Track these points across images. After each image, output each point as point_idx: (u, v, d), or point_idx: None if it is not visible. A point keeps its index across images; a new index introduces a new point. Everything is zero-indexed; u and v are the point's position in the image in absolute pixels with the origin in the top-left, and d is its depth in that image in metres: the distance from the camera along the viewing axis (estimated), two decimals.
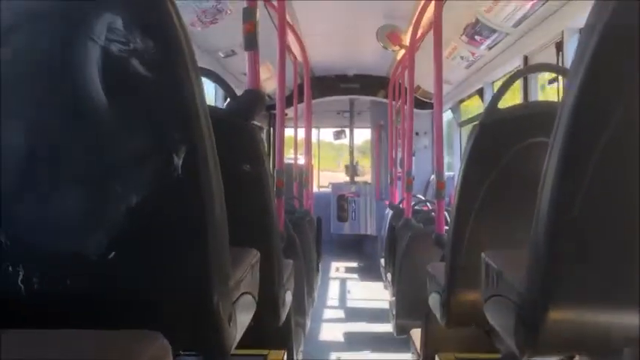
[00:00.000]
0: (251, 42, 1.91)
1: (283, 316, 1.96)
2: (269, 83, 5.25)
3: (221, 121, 1.70)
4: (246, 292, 1.38)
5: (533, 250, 1.11)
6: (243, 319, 1.35)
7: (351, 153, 8.31)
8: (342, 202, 7.52)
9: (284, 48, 2.78)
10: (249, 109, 1.70)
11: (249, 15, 1.91)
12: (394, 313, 3.46)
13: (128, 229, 1.06)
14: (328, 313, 4.71)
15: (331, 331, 4.16)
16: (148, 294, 1.11)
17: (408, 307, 3.16)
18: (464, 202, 1.84)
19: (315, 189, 8.23)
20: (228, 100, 1.77)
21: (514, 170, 1.75)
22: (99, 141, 1.03)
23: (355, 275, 6.39)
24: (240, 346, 1.63)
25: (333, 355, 3.58)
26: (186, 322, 1.16)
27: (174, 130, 1.04)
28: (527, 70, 1.96)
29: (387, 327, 3.90)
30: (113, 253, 1.06)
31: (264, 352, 2.16)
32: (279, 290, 1.86)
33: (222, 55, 4.22)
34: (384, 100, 6.73)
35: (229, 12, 3.54)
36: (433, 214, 2.83)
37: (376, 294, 5.11)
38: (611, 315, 1.07)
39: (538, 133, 1.66)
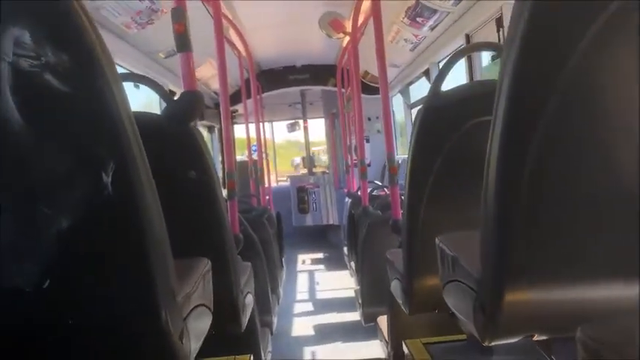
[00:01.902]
0: (183, 43, 1.84)
1: (245, 321, 1.91)
2: (214, 80, 5.15)
3: (158, 128, 1.63)
4: (198, 305, 1.33)
5: (484, 234, 1.10)
6: (197, 332, 1.30)
7: (307, 144, 8.27)
8: (301, 194, 7.49)
9: (222, 44, 2.71)
10: (186, 112, 1.63)
11: (178, 16, 1.83)
12: (360, 301, 3.46)
13: (61, 254, 1.00)
14: (297, 307, 4.69)
15: (301, 325, 4.14)
16: (88, 322, 1.05)
17: (373, 294, 3.15)
18: (415, 187, 1.83)
19: (274, 184, 8.19)
20: (165, 106, 1.69)
21: (462, 151, 1.75)
22: (19, 163, 0.96)
23: (322, 266, 6.39)
24: (204, 355, 1.58)
25: (305, 350, 3.55)
26: (134, 346, 1.11)
27: (100, 146, 0.98)
28: (464, 51, 1.96)
29: (356, 315, 3.90)
30: (47, 281, 0.99)
31: (230, 358, 2.11)
32: (237, 295, 1.81)
33: (163, 56, 4.10)
34: (335, 89, 6.72)
35: (165, 11, 3.43)
36: (390, 199, 2.81)
37: (344, 283, 5.12)
38: (564, 294, 1.07)
39: (483, 113, 1.65)
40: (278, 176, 9.20)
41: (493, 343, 1.21)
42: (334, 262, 6.26)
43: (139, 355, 1.13)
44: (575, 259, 1.05)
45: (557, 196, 1.02)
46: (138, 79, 1.85)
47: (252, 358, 2.16)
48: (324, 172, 8.14)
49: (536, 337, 1.25)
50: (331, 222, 7.47)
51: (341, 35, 4.80)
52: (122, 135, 0.98)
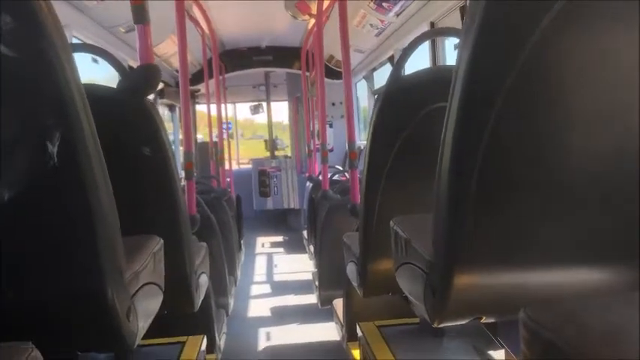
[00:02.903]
0: (140, 15, 1.78)
1: (198, 301, 1.89)
2: (176, 58, 5.04)
3: (112, 101, 1.58)
4: (148, 283, 1.30)
5: (436, 217, 1.11)
6: (147, 310, 1.28)
7: (270, 127, 8.22)
8: (263, 177, 7.45)
9: (183, 19, 2.64)
10: (141, 86, 1.58)
11: None
12: (317, 284, 3.48)
13: (4, 225, 0.96)
14: (255, 290, 4.69)
15: (258, 307, 4.14)
16: (31, 297, 1.01)
17: (330, 278, 3.17)
18: (373, 171, 1.83)
19: (235, 166, 8.12)
20: (120, 78, 1.64)
21: (420, 136, 1.76)
22: None
23: (281, 249, 6.39)
24: (157, 335, 1.56)
25: (260, 331, 3.56)
26: (79, 322, 1.08)
27: (45, 116, 0.94)
28: (425, 36, 1.97)
29: (313, 298, 3.93)
30: None
31: (183, 339, 2.09)
32: (191, 275, 1.79)
33: (123, 31, 3.97)
34: (300, 72, 6.67)
35: None
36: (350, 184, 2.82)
37: (302, 266, 5.14)
38: (510, 278, 1.09)
39: (442, 99, 1.66)
40: (240, 160, 9.13)
41: (442, 325, 1.23)
42: (293, 246, 6.28)
43: (83, 331, 1.11)
44: (521, 246, 1.07)
45: (506, 184, 1.04)
46: (92, 50, 1.79)
47: (205, 338, 2.14)
48: (285, 156, 8.11)
49: (483, 320, 1.27)
50: (292, 206, 7.47)
51: (307, 17, 4.76)
52: (69, 103, 0.94)
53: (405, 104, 1.79)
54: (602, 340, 0.64)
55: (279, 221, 7.70)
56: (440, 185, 1.08)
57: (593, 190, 1.02)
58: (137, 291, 1.21)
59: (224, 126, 8.43)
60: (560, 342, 0.65)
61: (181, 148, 6.03)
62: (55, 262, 1.02)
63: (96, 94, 1.04)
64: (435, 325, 1.22)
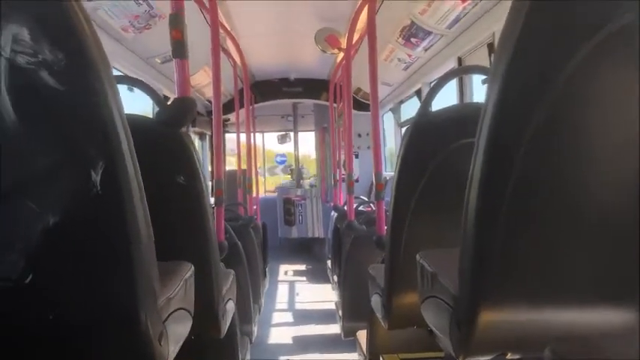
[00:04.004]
0: (179, 50, 1.86)
1: (225, 328, 1.92)
2: (208, 88, 5.17)
3: (150, 131, 1.65)
4: (179, 308, 1.34)
5: (463, 251, 1.12)
6: (177, 335, 1.31)
7: (296, 157, 8.29)
8: (288, 205, 7.49)
9: (218, 52, 2.74)
10: (178, 117, 1.65)
11: (175, 22, 1.86)
12: (340, 315, 3.47)
13: (46, 250, 1.00)
14: (277, 317, 4.68)
15: (280, 335, 4.14)
16: (68, 318, 1.05)
17: (354, 309, 3.16)
18: (400, 203, 1.85)
19: (262, 194, 8.18)
20: (158, 110, 1.71)
21: (447, 170, 1.78)
22: (10, 158, 0.97)
23: (304, 278, 6.38)
24: (183, 359, 1.58)
25: (282, 359, 3.55)
26: (113, 345, 1.11)
27: (90, 145, 1.00)
28: (454, 73, 2.01)
29: (336, 328, 3.91)
30: (30, 276, 1.00)
31: None
32: (219, 302, 1.82)
33: (159, 61, 4.12)
34: (327, 104, 6.76)
35: (163, 17, 3.46)
36: (376, 215, 2.84)
37: (325, 296, 5.12)
38: (536, 315, 1.10)
39: (469, 134, 1.68)
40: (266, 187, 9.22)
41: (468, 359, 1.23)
42: (317, 275, 6.26)
43: (116, 354, 1.14)
44: (547, 283, 1.08)
45: (532, 222, 1.05)
46: (132, 82, 1.87)
47: None
48: (311, 185, 8.16)
49: (509, 356, 1.27)
50: (316, 235, 7.47)
51: (335, 51, 4.85)
52: (113, 134, 1.00)
53: (433, 138, 1.82)
54: None
55: (302, 250, 7.70)
56: (467, 221, 1.09)
57: (620, 230, 1.03)
58: (169, 316, 1.24)
59: (278, 159, 8.55)
60: None
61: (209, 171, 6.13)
62: (92, 287, 1.06)
63: (134, 123, 1.09)
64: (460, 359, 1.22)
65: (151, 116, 1.81)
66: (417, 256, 1.50)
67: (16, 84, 0.93)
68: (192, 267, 1.51)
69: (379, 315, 2.06)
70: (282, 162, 8.93)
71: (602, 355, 0.70)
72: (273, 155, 9.14)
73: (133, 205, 1.04)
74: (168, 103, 1.82)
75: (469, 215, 1.08)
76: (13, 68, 0.92)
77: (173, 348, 1.26)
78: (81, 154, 1.00)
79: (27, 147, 0.96)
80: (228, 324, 1.99)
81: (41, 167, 0.98)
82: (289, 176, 8.44)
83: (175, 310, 1.29)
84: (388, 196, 2.34)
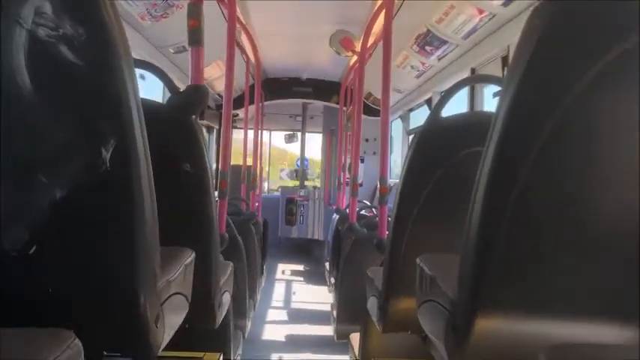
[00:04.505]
0: (195, 37, 1.88)
1: (219, 318, 1.92)
2: (219, 82, 5.19)
3: (160, 116, 1.66)
4: (177, 293, 1.34)
5: (464, 258, 1.13)
6: (173, 320, 1.32)
7: (302, 157, 8.30)
8: (290, 205, 7.49)
9: (233, 45, 2.75)
10: (190, 104, 1.66)
11: (193, 12, 1.88)
12: (335, 316, 3.47)
13: (51, 223, 1.01)
14: (272, 315, 4.69)
15: (273, 332, 4.15)
16: (68, 292, 1.06)
17: (349, 311, 3.16)
18: (403, 208, 1.86)
19: (265, 192, 8.20)
20: (170, 96, 1.72)
21: (453, 178, 1.78)
22: (23, 129, 0.98)
23: (301, 278, 6.39)
24: (174, 348, 1.59)
25: (274, 356, 3.55)
26: (109, 322, 1.12)
27: (103, 122, 1.01)
28: (467, 81, 2.02)
29: (329, 330, 3.91)
30: (34, 247, 1.01)
31: (200, 354, 2.11)
32: (216, 292, 1.83)
33: (172, 51, 4.14)
34: (337, 106, 6.78)
35: (180, 7, 3.47)
36: (377, 219, 2.84)
37: (321, 297, 5.12)
38: (533, 324, 1.10)
39: (477, 143, 1.69)
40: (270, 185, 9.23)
41: None
42: (313, 277, 6.27)
43: (113, 331, 1.14)
44: (546, 295, 1.08)
45: (535, 233, 1.05)
46: (147, 66, 1.88)
47: (221, 356, 2.16)
48: (315, 187, 8.16)
49: None
50: (316, 237, 7.47)
51: (349, 54, 4.86)
52: (126, 113, 1.01)
53: (441, 145, 1.83)
54: None
55: (301, 250, 7.71)
56: (470, 226, 1.10)
57: (622, 245, 1.03)
58: (166, 299, 1.24)
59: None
60: None
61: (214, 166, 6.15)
62: (93, 263, 1.07)
63: (146, 107, 1.10)
64: None
65: None
66: (417, 260, 1.50)
67: (34, 56, 0.94)
68: (193, 254, 1.51)
69: (374, 318, 2.06)
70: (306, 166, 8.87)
71: None
72: (294, 158, 9.10)
73: (140, 185, 1.04)
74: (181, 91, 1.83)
75: (473, 220, 1.09)
76: (33, 40, 0.93)
77: (168, 332, 1.27)
78: (93, 130, 1.01)
79: (41, 118, 0.97)
80: (223, 315, 1.99)
81: (53, 140, 0.99)
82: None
83: (173, 294, 1.30)
84: (390, 202, 2.35)
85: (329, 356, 3.53)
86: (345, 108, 6.22)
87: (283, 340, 3.98)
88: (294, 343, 3.88)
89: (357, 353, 2.72)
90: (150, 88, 4.09)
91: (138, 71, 2.47)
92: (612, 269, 1.05)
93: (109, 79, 0.98)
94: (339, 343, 3.38)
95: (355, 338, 2.88)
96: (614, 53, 0.94)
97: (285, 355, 3.57)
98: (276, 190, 8.59)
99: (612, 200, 1.02)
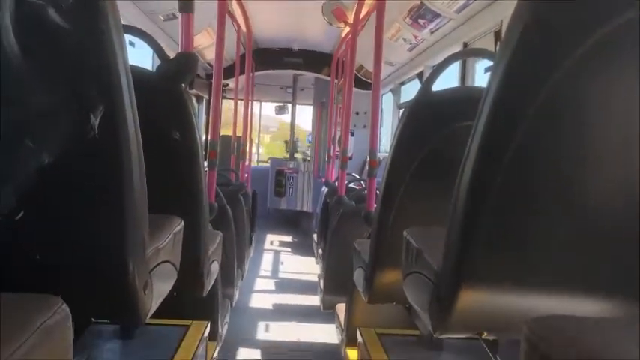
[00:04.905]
0: (185, 4, 1.85)
1: (208, 287, 1.94)
2: (209, 51, 5.12)
3: (149, 83, 1.64)
4: (166, 261, 1.35)
5: (450, 230, 1.14)
6: (161, 287, 1.33)
7: (292, 129, 8.27)
8: (279, 177, 7.49)
9: (224, 13, 2.71)
10: (180, 72, 1.64)
11: None
12: (322, 287, 3.51)
13: (39, 189, 1.01)
14: (260, 284, 4.74)
15: (261, 301, 4.20)
16: (57, 258, 1.07)
17: (335, 283, 3.20)
18: (392, 181, 1.87)
19: (255, 164, 8.18)
20: (159, 63, 1.70)
21: (443, 152, 1.79)
22: (10, 92, 0.97)
23: (289, 249, 6.44)
24: (162, 316, 1.61)
25: (260, 324, 3.61)
26: (98, 289, 1.13)
27: (92, 87, 1.00)
28: (460, 55, 2.01)
29: (316, 300, 3.96)
30: (21, 214, 1.00)
31: (187, 322, 2.14)
32: (204, 260, 1.84)
33: (162, 18, 4.07)
34: (328, 78, 6.73)
35: None
36: (366, 192, 2.86)
37: (308, 268, 5.17)
38: (515, 296, 1.12)
39: (468, 117, 1.69)
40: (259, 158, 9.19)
41: (444, 336, 1.26)
42: (301, 248, 6.32)
43: (101, 298, 1.15)
44: (532, 268, 1.10)
45: (522, 206, 1.07)
46: (136, 32, 1.85)
47: (209, 325, 2.18)
48: (304, 159, 8.16)
49: (484, 336, 1.30)
50: (305, 209, 7.50)
51: (342, 25, 4.81)
52: (115, 79, 1.00)
53: (431, 119, 1.83)
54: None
55: (289, 222, 7.74)
56: (458, 200, 1.11)
57: (609, 221, 1.05)
58: (155, 267, 1.25)
59: (310, 138, 8.31)
60: (557, 357, 0.67)
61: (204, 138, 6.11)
62: (83, 229, 1.07)
63: (136, 75, 1.09)
64: (437, 336, 1.25)
65: None
66: (404, 233, 1.52)
67: (22, 18, 0.92)
68: (182, 222, 1.52)
69: (361, 289, 2.08)
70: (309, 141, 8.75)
71: (579, 335, 0.72)
72: (305, 135, 9.01)
73: (129, 152, 1.04)
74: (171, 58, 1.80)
75: (460, 193, 1.10)
76: (21, 1, 0.91)
77: (156, 300, 1.28)
78: (81, 96, 1.00)
79: (28, 83, 0.95)
80: (211, 284, 2.01)
81: (41, 105, 0.98)
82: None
83: (162, 262, 1.31)
84: (379, 176, 2.36)
85: (315, 325, 3.58)
86: (336, 80, 6.18)
87: (271, 308, 4.03)
88: (281, 312, 3.94)
89: (342, 323, 2.77)
90: (139, 57, 4.04)
91: (127, 38, 2.44)
92: (597, 243, 1.07)
93: (98, 44, 0.97)
94: (326, 312, 3.43)
95: (341, 308, 2.93)
96: (606, 29, 0.94)
97: (271, 323, 3.63)
98: (266, 162, 8.57)
99: (600, 175, 1.03)
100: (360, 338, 2.19)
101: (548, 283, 1.11)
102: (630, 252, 1.05)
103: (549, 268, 1.09)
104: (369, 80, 6.33)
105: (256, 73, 6.72)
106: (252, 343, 3.28)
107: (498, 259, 1.10)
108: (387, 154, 1.95)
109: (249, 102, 5.41)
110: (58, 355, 0.79)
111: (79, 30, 0.95)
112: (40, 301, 0.78)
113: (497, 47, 3.17)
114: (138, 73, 1.64)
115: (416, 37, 4.46)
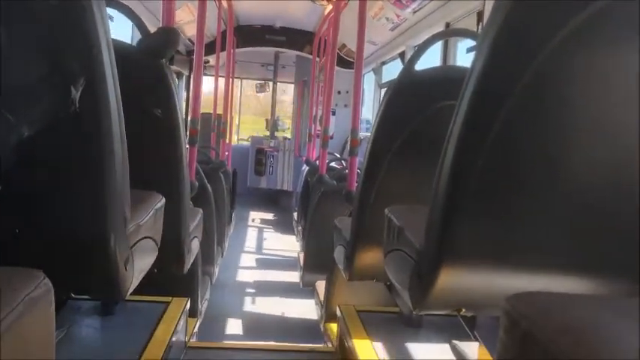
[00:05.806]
0: None
1: (188, 264, 1.94)
2: (190, 27, 5.04)
3: (130, 58, 1.61)
4: (147, 237, 1.35)
5: (433, 208, 1.15)
6: (142, 263, 1.32)
7: (273, 107, 8.22)
8: (260, 156, 7.47)
9: None
10: (161, 47, 1.61)
11: None
12: (302, 265, 3.53)
13: (18, 162, 0.99)
14: (241, 261, 4.76)
15: (242, 278, 4.24)
16: (37, 232, 1.06)
17: (315, 260, 3.23)
18: (374, 160, 1.88)
19: (235, 142, 8.13)
20: (140, 37, 1.67)
21: (425, 131, 1.80)
22: None
23: (270, 227, 6.46)
24: (142, 292, 1.61)
25: (239, 299, 3.65)
26: (79, 264, 1.12)
27: (73, 59, 0.98)
28: (442, 35, 2.02)
29: (296, 277, 4.00)
30: (0, 187, 0.99)
31: (167, 299, 2.14)
32: (185, 237, 1.83)
33: None
34: (309, 56, 6.68)
35: None
36: (347, 171, 2.87)
37: (289, 246, 5.20)
38: (498, 275, 1.14)
39: (450, 96, 1.69)
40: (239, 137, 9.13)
41: (423, 313, 1.28)
42: (281, 226, 6.35)
43: (82, 273, 1.15)
44: (512, 246, 1.12)
45: (505, 185, 1.08)
46: (117, 5, 1.81)
47: (189, 301, 2.19)
48: (285, 138, 8.13)
49: (463, 312, 1.33)
50: (285, 188, 7.50)
51: (324, 2, 4.77)
52: (97, 53, 0.98)
53: (414, 98, 1.83)
54: (581, 335, 0.67)
55: (270, 201, 7.75)
56: (440, 178, 1.12)
57: (591, 200, 1.07)
58: (136, 243, 1.25)
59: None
60: (538, 333, 0.68)
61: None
62: (64, 203, 1.06)
63: (117, 49, 1.07)
64: (416, 312, 1.27)
65: None
66: (386, 211, 1.53)
67: None
68: (163, 199, 1.51)
69: (341, 266, 2.10)
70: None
71: (558, 311, 0.73)
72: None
73: (110, 126, 1.03)
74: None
75: (443, 171, 1.11)
76: None
77: (137, 276, 1.27)
78: (62, 68, 0.98)
79: (7, 54, 0.93)
80: (191, 261, 2.01)
81: (21, 77, 0.96)
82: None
83: (143, 238, 1.30)
84: (360, 156, 2.36)
85: (295, 300, 3.62)
86: (318, 59, 6.14)
87: (251, 285, 4.07)
88: (261, 288, 3.97)
89: (322, 300, 2.80)
90: (118, 30, 3.96)
91: (107, 11, 2.39)
92: (578, 222, 1.09)
93: (79, 16, 0.95)
94: (305, 289, 3.46)
95: (321, 286, 2.95)
96: (590, 9, 0.95)
97: (251, 299, 3.66)
98: (247, 141, 8.53)
99: (583, 154, 1.05)
100: (339, 314, 2.21)
101: (529, 261, 1.13)
102: (611, 230, 1.07)
103: (530, 247, 1.11)
104: (351, 59, 6.31)
105: (237, 50, 6.64)
106: (232, 319, 3.30)
107: (480, 238, 1.11)
108: (368, 134, 1.95)
109: (231, 79, 5.35)
110: (42, 327, 0.79)
111: (61, 3, 0.93)
112: (23, 275, 0.77)
113: (480, 27, 3.18)
114: (119, 47, 1.61)
115: (398, 16, 4.45)
